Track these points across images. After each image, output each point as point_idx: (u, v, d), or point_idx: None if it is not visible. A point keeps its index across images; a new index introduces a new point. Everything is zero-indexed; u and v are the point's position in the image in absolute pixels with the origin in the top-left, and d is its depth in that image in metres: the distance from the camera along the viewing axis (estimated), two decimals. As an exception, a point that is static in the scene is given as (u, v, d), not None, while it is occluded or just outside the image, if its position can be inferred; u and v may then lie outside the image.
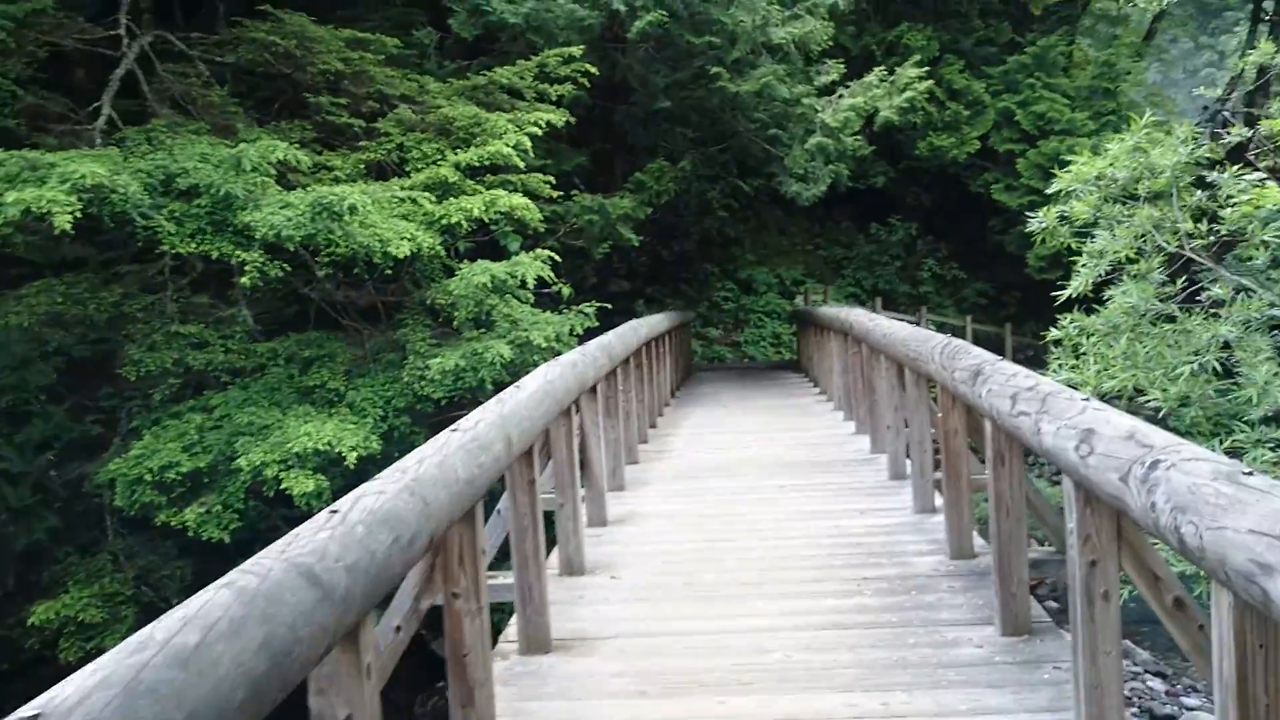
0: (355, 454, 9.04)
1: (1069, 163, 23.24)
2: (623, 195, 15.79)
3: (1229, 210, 6.85)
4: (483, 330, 10.62)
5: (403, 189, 10.71)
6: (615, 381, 8.66)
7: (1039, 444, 3.88)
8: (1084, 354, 6.04)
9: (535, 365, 9.38)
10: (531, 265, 10.30)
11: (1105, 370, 5.78)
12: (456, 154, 11.27)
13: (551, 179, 12.95)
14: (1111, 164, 5.97)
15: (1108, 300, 6.32)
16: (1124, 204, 6.53)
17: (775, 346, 24.77)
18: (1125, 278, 6.11)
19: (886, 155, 25.99)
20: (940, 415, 6.07)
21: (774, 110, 16.32)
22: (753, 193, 25.17)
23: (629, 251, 22.31)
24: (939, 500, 7.37)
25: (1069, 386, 6.32)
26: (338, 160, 12.04)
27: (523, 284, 10.29)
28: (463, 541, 3.76)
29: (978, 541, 6.27)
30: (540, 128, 12.11)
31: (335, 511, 2.66)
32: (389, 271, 10.47)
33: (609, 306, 12.72)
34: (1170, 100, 36.14)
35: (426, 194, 10.46)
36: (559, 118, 12.73)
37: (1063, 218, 7.01)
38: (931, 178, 27.09)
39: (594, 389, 7.31)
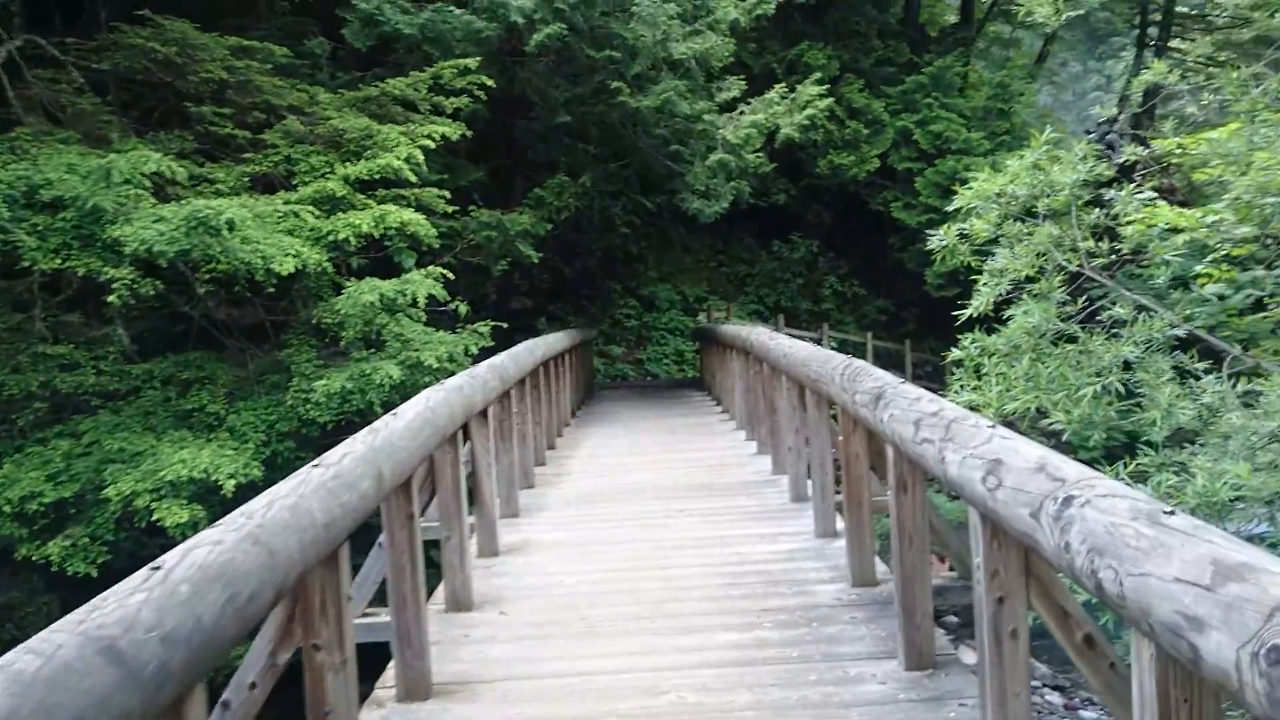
0: (233, 482, 8.56)
1: (966, 180, 23.49)
2: (522, 211, 15.48)
3: (1128, 228, 6.80)
4: (372, 350, 10.21)
5: (287, 203, 10.26)
6: (509, 404, 8.33)
7: (943, 473, 3.68)
8: (985, 375, 5.90)
9: (427, 386, 9.04)
10: (422, 283, 9.93)
11: (1007, 391, 5.64)
12: (346, 167, 10.86)
13: (447, 194, 12.60)
14: (1012, 181, 5.85)
15: (1008, 319, 6.19)
16: (1024, 222, 6.43)
17: (678, 364, 24.62)
18: (1026, 297, 5.99)
19: (788, 173, 26.08)
20: (841, 438, 5.87)
21: (675, 126, 16.16)
22: (655, 209, 25.01)
23: (530, 269, 21.96)
24: (841, 524, 7.20)
25: (971, 408, 6.19)
26: (221, 173, 11.54)
27: (414, 302, 9.90)
28: (325, 588, 3.42)
29: (880, 567, 6.09)
30: (434, 141, 11.75)
31: (157, 568, 2.32)
32: (271, 289, 10.01)
33: (505, 325, 12.41)
34: (1061, 122, 37.02)
35: (312, 208, 10.04)
36: (454, 131, 12.38)
37: (963, 235, 6.89)
38: (832, 195, 27.27)
39: (484, 413, 6.98)
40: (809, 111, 17.01)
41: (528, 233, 15.18)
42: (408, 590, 4.65)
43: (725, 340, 13.96)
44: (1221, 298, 9.77)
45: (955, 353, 6.49)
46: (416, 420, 4.78)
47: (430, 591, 6.07)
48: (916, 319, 28.01)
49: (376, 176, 10.85)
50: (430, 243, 12.08)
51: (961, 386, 6.13)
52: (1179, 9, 34.62)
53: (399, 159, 10.77)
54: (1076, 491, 2.69)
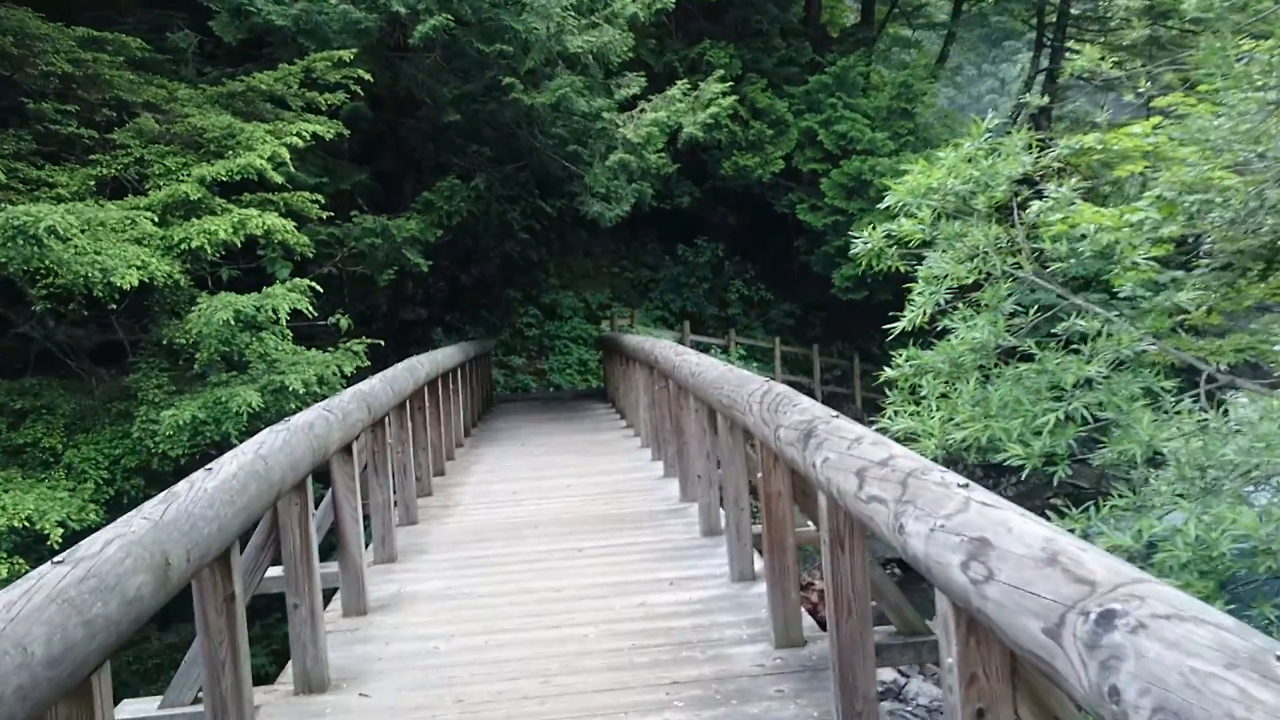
0: (62, 531, 7.43)
1: (870, 183, 22.88)
2: (410, 217, 14.43)
3: (1052, 229, 6.11)
4: (233, 374, 9.12)
5: (128, 208, 9.12)
6: (383, 434, 7.35)
7: (902, 545, 2.84)
8: (925, 398, 5.12)
9: (292, 413, 8.02)
10: (285, 297, 8.88)
11: (950, 419, 4.86)
12: (202, 168, 9.74)
13: (320, 198, 11.52)
14: (949, 174, 5.08)
15: (950, 334, 5.41)
16: (961, 220, 5.67)
17: (582, 374, 23.71)
18: (963, 306, 5.21)
19: (691, 175, 25.37)
20: (761, 475, 5.04)
21: (573, 125, 15.26)
22: (555, 214, 24.10)
23: (425, 277, 20.90)
24: (759, 563, 6.37)
25: (908, 438, 5.39)
26: (62, 176, 10.33)
27: (275, 319, 8.83)
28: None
29: (807, 621, 5.27)
30: (303, 139, 10.68)
31: None
32: (114, 306, 8.86)
33: (383, 342, 11.36)
34: (961, 123, 36.96)
35: (150, 214, 8.91)
36: (328, 130, 11.32)
37: (890, 237, 6.11)
38: (737, 198, 26.63)
39: (349, 448, 6.00)
40: (712, 109, 16.25)
41: (416, 239, 14.14)
42: (227, 692, 3.69)
43: (629, 352, 13.10)
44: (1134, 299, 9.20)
45: (889, 372, 5.69)
46: (238, 476, 3.82)
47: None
48: (824, 322, 27.53)
49: (237, 178, 9.75)
50: (304, 251, 11.01)
51: (897, 412, 5.33)
52: (1073, 10, 34.80)
53: (262, 158, 9.69)
54: (1118, 604, 1.86)
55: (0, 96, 10.92)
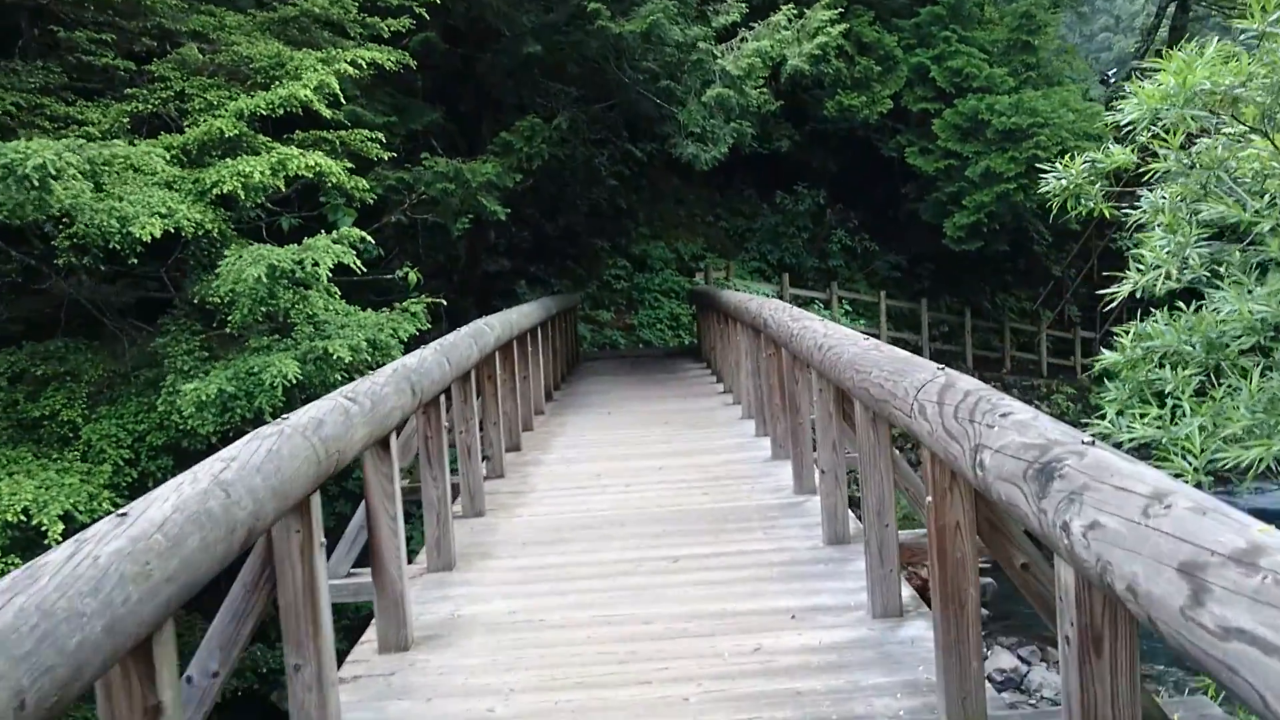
0: (64, 525, 6.30)
1: (987, 123, 21.02)
2: (485, 160, 13.11)
3: None
4: (276, 337, 7.92)
5: (153, 147, 7.91)
6: (438, 416, 6.05)
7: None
8: (1175, 395, 3.59)
9: (338, 384, 6.79)
10: (328, 249, 7.61)
11: (1217, 429, 3.35)
12: (241, 100, 8.50)
13: (380, 136, 10.23)
14: (1212, 75, 3.54)
15: (1199, 306, 3.85)
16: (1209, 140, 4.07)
17: (673, 329, 22.31)
18: (1231, 269, 3.65)
19: (790, 117, 23.67)
20: (931, 499, 3.61)
21: (665, 57, 13.77)
22: (645, 158, 22.64)
23: (507, 226, 19.71)
24: (905, 591, 4.97)
25: (1152, 453, 3.91)
26: (94, 112, 9.19)
27: (316, 274, 7.56)
28: None
29: (990, 695, 3.85)
30: (360, 69, 9.40)
31: None
32: (133, 260, 7.68)
33: (443, 302, 10.12)
34: (1082, 61, 34.55)
35: (165, 151, 7.68)
36: (388, 58, 10.02)
37: (1095, 171, 4.56)
38: (840, 141, 24.85)
39: (386, 442, 4.71)
40: (820, 40, 14.60)
41: (493, 185, 12.82)
42: None
43: (729, 310, 11.67)
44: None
45: (1110, 356, 4.16)
46: (169, 526, 2.51)
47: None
48: (931, 275, 25.75)
49: (279, 111, 8.50)
50: (364, 196, 9.78)
51: (1123, 413, 3.82)
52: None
53: (308, 88, 8.41)
54: None
55: (35, 25, 9.80)
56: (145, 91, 9.40)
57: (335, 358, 7.41)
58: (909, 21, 23.33)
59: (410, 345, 8.43)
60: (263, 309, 7.58)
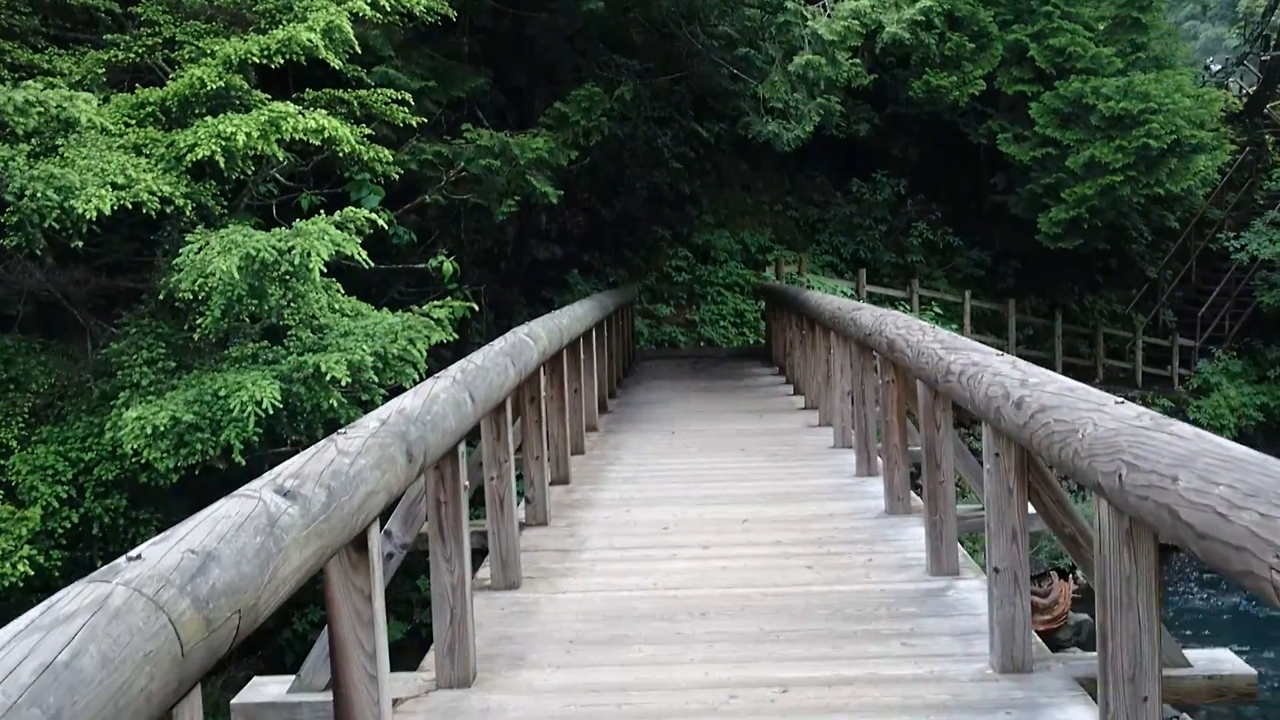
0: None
1: (1092, 108, 18.91)
2: (536, 134, 11.37)
3: None
4: (264, 343, 6.24)
5: (124, 105, 6.25)
6: (454, 471, 4.30)
7: None
8: None
9: (333, 413, 5.18)
10: (323, 235, 5.88)
11: None
12: (229, 45, 6.82)
13: (408, 98, 8.51)
14: None
15: None
16: None
17: (737, 327, 20.48)
18: None
19: (870, 98, 21.75)
20: None
21: (746, 19, 11.98)
22: (712, 140, 20.83)
23: (560, 210, 17.98)
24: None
25: None
26: (66, 62, 7.55)
27: (305, 267, 5.83)
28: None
29: None
30: (384, 11, 7.66)
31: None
32: (78, 244, 6.01)
33: (474, 307, 8.42)
34: (1184, 44, 32.18)
35: (100, 107, 6.00)
36: (419, 2, 8.27)
37: None
38: (922, 126, 22.88)
39: (363, 541, 2.99)
40: (923, 3, 12.71)
41: (544, 162, 11.09)
42: None
43: (819, 316, 9.86)
44: None
45: None
46: None
47: None
48: (1016, 274, 23.68)
49: (279, 60, 6.81)
50: (388, 170, 8.11)
51: None
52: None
53: (313, 30, 6.72)
54: None
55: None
56: (127, 39, 7.76)
57: (329, 378, 5.72)
58: (1006, -6, 21.27)
59: (439, 362, 6.73)
60: (243, 310, 5.92)
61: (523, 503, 6.76)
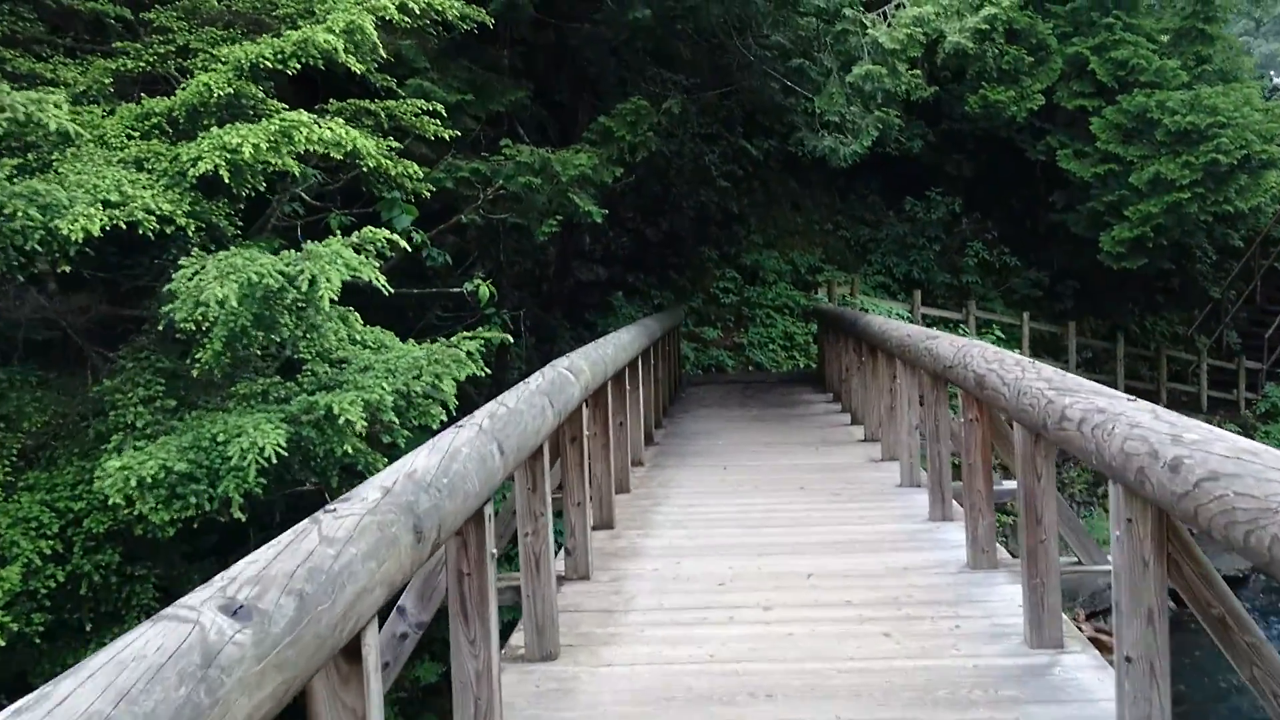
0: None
1: (1156, 123, 17.97)
2: (579, 149, 10.74)
3: None
4: (275, 379, 5.62)
5: (130, 115, 5.68)
6: (478, 540, 3.64)
7: None
8: None
9: (344, 464, 4.59)
10: (333, 259, 5.24)
11: None
12: (239, 49, 6.24)
13: (440, 109, 7.91)
14: None
15: None
16: None
17: (787, 350, 19.75)
18: None
19: (924, 113, 21.02)
20: None
21: (800, 28, 11.33)
22: (761, 158, 20.18)
23: (605, 230, 17.36)
24: None
25: None
26: (72, 71, 7.02)
27: (314, 295, 5.18)
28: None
29: None
30: (413, 15, 7.06)
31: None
32: (65, 269, 5.43)
33: (509, 339, 7.79)
34: (1249, 57, 31.12)
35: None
36: (451, 6, 7.69)
37: None
38: (977, 142, 22.11)
39: (356, 647, 2.34)
40: (987, 11, 11.98)
41: (587, 179, 10.45)
42: None
43: (879, 341, 9.14)
44: None
45: None
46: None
47: None
48: (1075, 294, 22.78)
49: (295, 64, 6.22)
50: (419, 188, 7.51)
51: None
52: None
53: (331, 32, 6.12)
54: None
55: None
56: (138, 47, 7.21)
57: (343, 421, 5.09)
58: (1065, 7, 20.46)
59: (477, 393, 6.10)
60: (250, 343, 5.31)
61: (562, 553, 6.11)
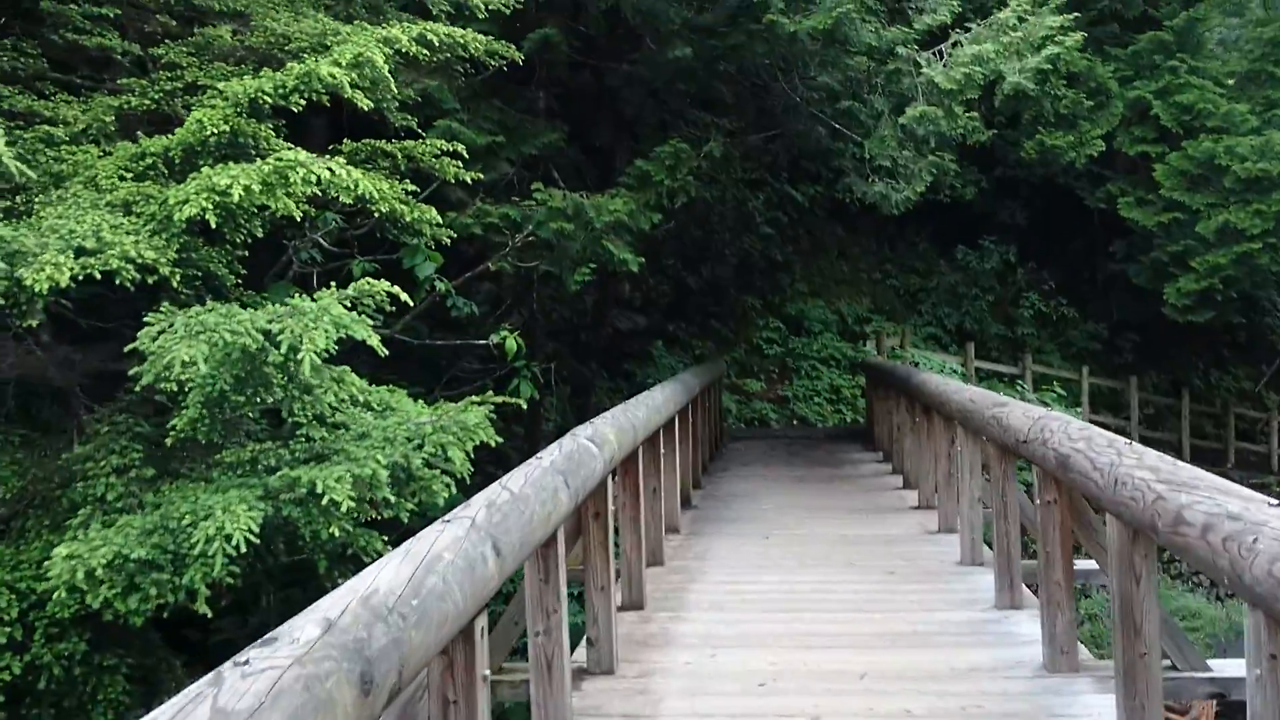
0: None
1: (1225, 169, 17.15)
2: (615, 194, 10.19)
3: None
4: (265, 444, 5.04)
5: (124, 154, 5.18)
6: (467, 657, 3.01)
7: None
8: None
9: (328, 550, 4.01)
10: (316, 319, 4.64)
11: None
12: (239, 83, 5.73)
13: (461, 149, 7.37)
14: None
15: None
16: None
17: (834, 404, 19.02)
18: None
19: (976, 159, 20.32)
20: None
21: (850, 68, 10.74)
22: (806, 203, 19.58)
23: (645, 277, 16.81)
24: None
25: None
26: (73, 109, 6.56)
27: (292, 358, 4.58)
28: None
29: None
30: (432, 48, 6.54)
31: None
32: (30, 323, 4.89)
33: (522, 405, 7.15)
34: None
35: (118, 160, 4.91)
36: (473, 39, 7.16)
37: None
38: (1032, 189, 21.40)
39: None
40: (1049, 51, 11.33)
41: (624, 226, 9.89)
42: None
43: (937, 403, 8.44)
44: None
45: None
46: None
47: None
48: (1135, 348, 21.91)
49: (299, 99, 5.70)
50: (439, 234, 6.97)
51: None
52: None
53: (338, 64, 5.60)
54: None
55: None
56: (144, 83, 6.75)
57: (327, 500, 4.48)
58: (1126, 49, 19.77)
59: (509, 459, 5.48)
60: (242, 407, 4.74)
61: (584, 642, 5.45)
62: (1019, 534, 6.35)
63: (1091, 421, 19.80)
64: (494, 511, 3.27)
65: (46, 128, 6.20)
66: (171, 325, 4.53)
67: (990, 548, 6.94)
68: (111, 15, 7.16)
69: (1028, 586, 6.44)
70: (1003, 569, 6.43)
